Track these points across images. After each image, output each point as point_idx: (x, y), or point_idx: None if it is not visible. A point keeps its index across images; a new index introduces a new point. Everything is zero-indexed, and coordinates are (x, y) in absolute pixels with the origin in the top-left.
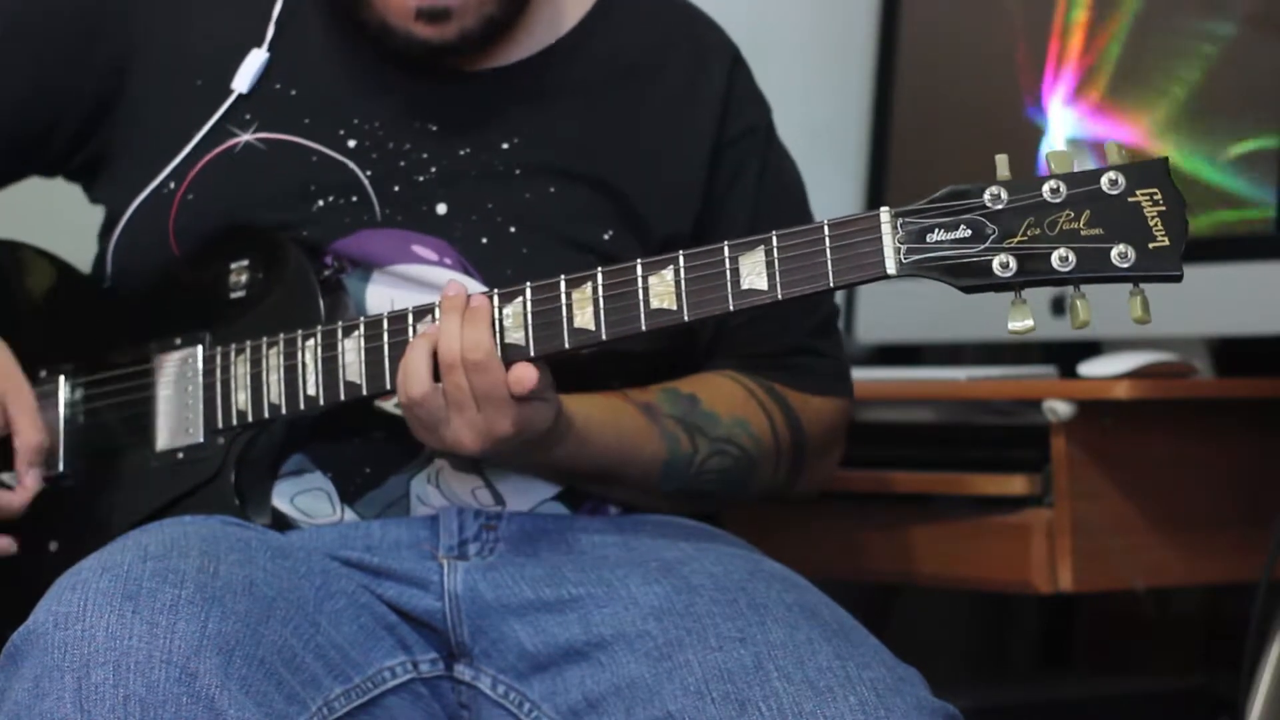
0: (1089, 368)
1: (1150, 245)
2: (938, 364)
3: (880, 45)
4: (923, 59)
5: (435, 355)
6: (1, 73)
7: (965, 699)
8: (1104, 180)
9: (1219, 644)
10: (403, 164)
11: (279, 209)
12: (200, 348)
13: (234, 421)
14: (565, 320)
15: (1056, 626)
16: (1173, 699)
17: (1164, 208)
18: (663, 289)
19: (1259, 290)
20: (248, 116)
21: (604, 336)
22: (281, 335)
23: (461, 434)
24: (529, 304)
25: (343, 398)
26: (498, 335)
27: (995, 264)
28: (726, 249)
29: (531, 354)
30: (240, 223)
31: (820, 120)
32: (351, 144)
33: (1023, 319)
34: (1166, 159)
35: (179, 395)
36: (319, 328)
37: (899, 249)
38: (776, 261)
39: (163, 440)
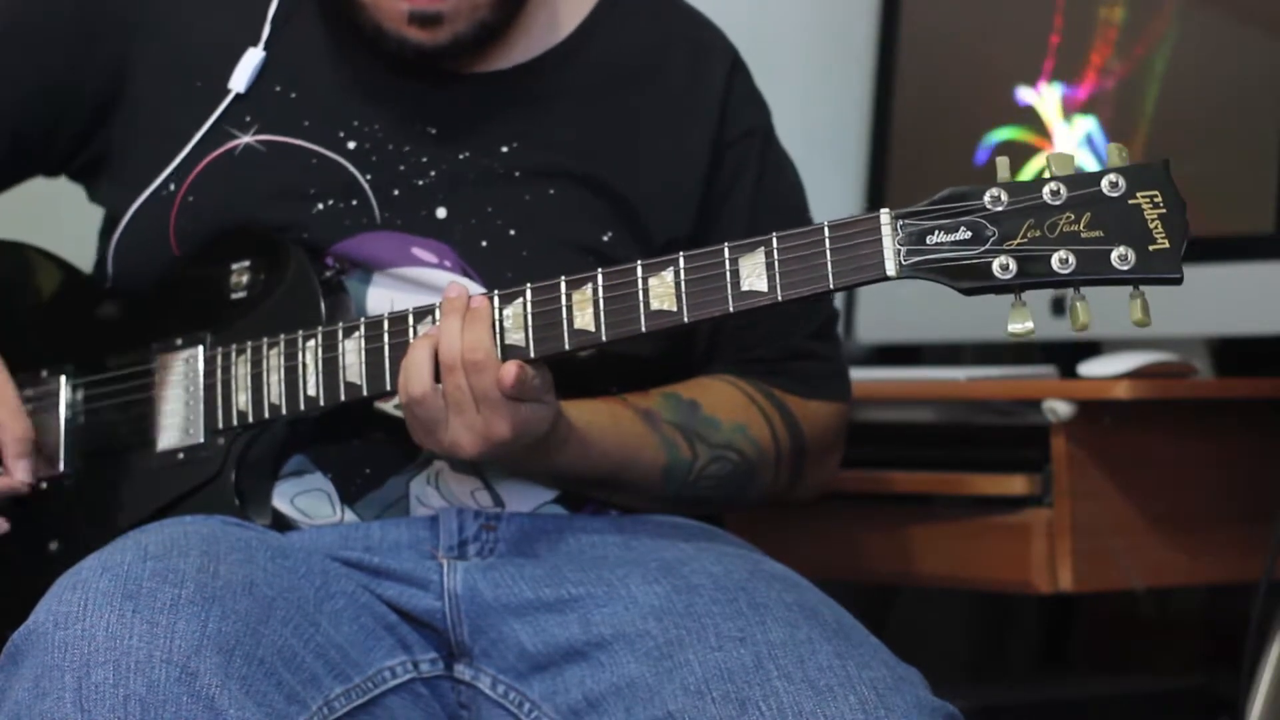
0: (1089, 368)
1: (1150, 247)
2: (938, 364)
3: (880, 45)
4: (923, 59)
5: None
6: (2, 74)
7: (965, 699)
8: (1104, 182)
9: (1219, 644)
10: (402, 168)
11: (279, 211)
12: (201, 348)
13: (234, 422)
14: (565, 321)
15: (1056, 626)
16: (1173, 699)
17: (1164, 210)
18: (663, 290)
19: (1259, 290)
20: (247, 118)
21: (604, 338)
22: (282, 336)
23: (460, 436)
24: (529, 305)
25: (343, 399)
26: (498, 336)
27: (995, 266)
28: (727, 250)
29: (531, 355)
30: (241, 223)
31: (820, 121)
32: (351, 145)
33: (1023, 321)
34: (1167, 161)
35: (180, 395)
36: (320, 329)
37: (899, 250)
38: (776, 263)
39: (163, 440)
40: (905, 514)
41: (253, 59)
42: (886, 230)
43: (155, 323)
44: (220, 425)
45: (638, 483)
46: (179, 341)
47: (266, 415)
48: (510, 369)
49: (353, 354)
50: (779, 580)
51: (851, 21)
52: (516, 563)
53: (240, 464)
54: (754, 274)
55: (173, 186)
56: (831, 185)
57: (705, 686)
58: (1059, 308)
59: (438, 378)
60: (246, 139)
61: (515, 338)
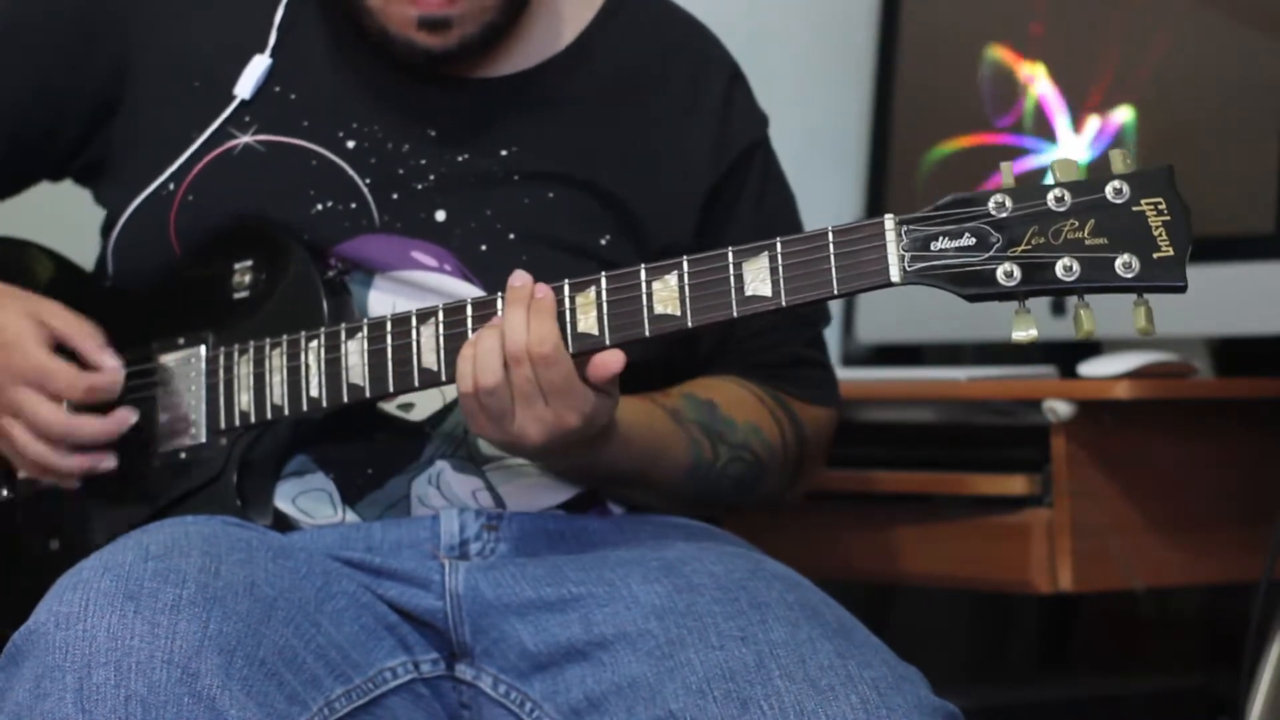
0: (1089, 368)
1: (1154, 255)
2: (938, 364)
3: (880, 45)
4: (923, 59)
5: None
6: (2, 74)
7: (965, 699)
8: (1108, 189)
9: (1219, 644)
10: (401, 170)
11: (278, 211)
12: (203, 348)
13: (236, 422)
14: (569, 325)
15: (1056, 626)
16: (1173, 699)
17: (1168, 217)
18: (666, 294)
19: (1259, 290)
20: (247, 119)
21: (608, 341)
22: (285, 336)
23: (528, 426)
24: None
25: (346, 399)
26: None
27: (999, 273)
28: (730, 255)
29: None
30: (244, 223)
31: (820, 123)
32: (350, 145)
33: (1026, 328)
34: (1170, 168)
35: (182, 395)
36: (322, 329)
37: (903, 256)
38: (781, 268)
39: (165, 440)
40: (905, 514)
41: (259, 66)
42: (890, 236)
43: (157, 322)
44: (222, 425)
45: (663, 481)
46: (181, 341)
47: (269, 416)
48: (617, 358)
49: (356, 355)
50: (780, 579)
51: (851, 21)
52: (518, 562)
53: (242, 464)
54: (758, 279)
55: (172, 186)
56: (831, 186)
57: (707, 686)
58: (1060, 308)
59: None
60: (246, 139)
61: None
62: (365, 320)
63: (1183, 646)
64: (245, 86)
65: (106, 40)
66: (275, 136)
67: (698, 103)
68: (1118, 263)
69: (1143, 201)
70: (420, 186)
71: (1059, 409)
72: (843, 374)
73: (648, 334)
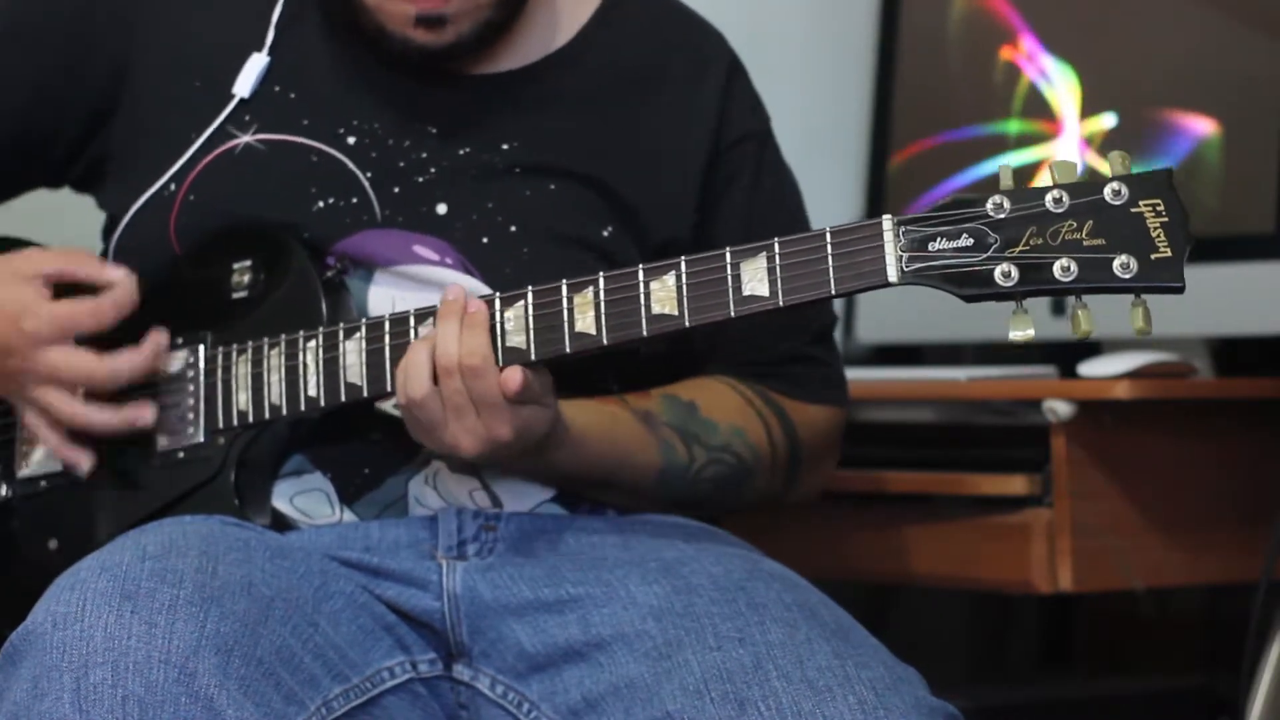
0: (1089, 368)
1: (1152, 256)
2: (938, 364)
3: (880, 45)
4: (923, 59)
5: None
6: (2, 77)
7: (965, 699)
8: (1107, 190)
9: (1219, 644)
10: (402, 164)
11: (280, 209)
12: (202, 347)
13: (235, 422)
14: (567, 324)
15: (1056, 626)
16: (1173, 699)
17: (1166, 219)
18: (664, 294)
19: (1259, 290)
20: (247, 118)
21: (605, 341)
22: (283, 336)
23: (460, 438)
24: (530, 308)
25: (343, 399)
26: (499, 339)
27: (997, 273)
28: (728, 255)
29: (532, 358)
30: (243, 222)
31: (820, 122)
32: (351, 142)
33: (1024, 328)
34: (1170, 170)
35: (180, 395)
36: (320, 329)
37: (901, 257)
38: (778, 268)
39: (163, 440)
40: (905, 514)
41: (257, 65)
42: (888, 236)
43: (156, 322)
44: (220, 425)
45: (633, 484)
46: (180, 340)
47: (267, 415)
48: (515, 375)
49: (353, 354)
50: (778, 580)
51: (851, 21)
52: (516, 563)
53: (240, 464)
54: (755, 279)
55: (173, 186)
56: (831, 185)
57: (704, 687)
58: (1059, 308)
59: (436, 380)
60: (246, 138)
61: (516, 340)
62: (363, 320)
63: (1183, 646)
64: (244, 85)
65: (106, 41)
66: (276, 135)
67: (697, 96)
68: (1116, 263)
69: (1141, 203)
70: (421, 180)
71: (1059, 409)
72: None
73: (645, 334)
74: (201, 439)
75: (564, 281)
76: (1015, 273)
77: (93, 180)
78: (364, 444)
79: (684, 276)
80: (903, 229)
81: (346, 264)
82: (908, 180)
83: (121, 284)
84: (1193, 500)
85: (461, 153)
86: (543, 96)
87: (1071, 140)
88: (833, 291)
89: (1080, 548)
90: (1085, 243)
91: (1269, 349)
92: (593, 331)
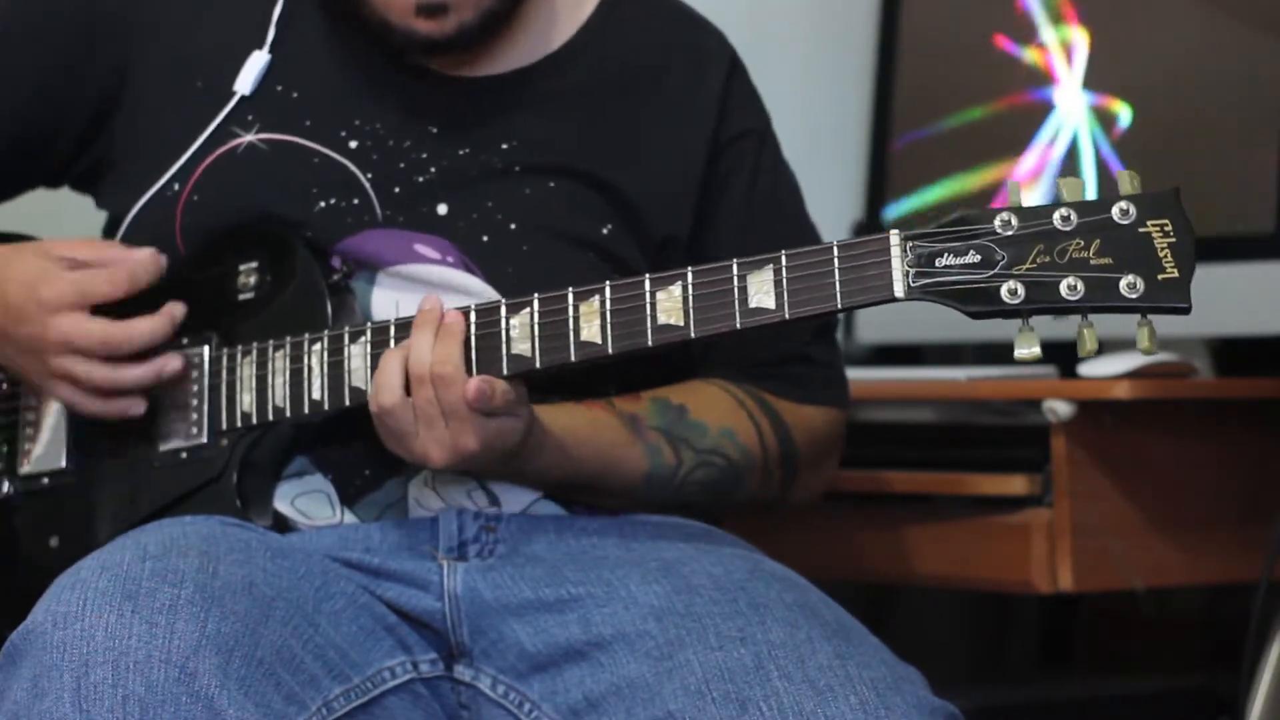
0: (1089, 368)
1: (1159, 276)
2: (938, 364)
3: (880, 45)
4: (923, 59)
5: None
6: (2, 79)
7: (965, 699)
8: (1115, 210)
9: (1219, 644)
10: (402, 165)
11: (282, 208)
12: (207, 348)
13: (238, 423)
14: (572, 333)
15: (1056, 626)
16: (1173, 699)
17: (1174, 239)
18: (670, 305)
19: (1259, 290)
20: (250, 117)
21: (610, 350)
22: (288, 339)
23: (429, 448)
24: (536, 315)
25: (347, 403)
26: (504, 346)
27: (1004, 291)
28: (735, 267)
29: (537, 365)
30: (249, 223)
31: (820, 121)
32: (353, 145)
33: (1029, 346)
34: (1178, 190)
35: (184, 395)
36: (326, 332)
37: (908, 272)
38: (785, 281)
39: (167, 440)
40: (905, 514)
41: (258, 62)
42: (895, 252)
43: None
44: (224, 426)
45: (620, 488)
46: (184, 340)
47: (271, 417)
48: (473, 384)
49: (358, 358)
50: (779, 580)
51: (851, 21)
52: (516, 563)
53: (243, 465)
54: (762, 291)
55: (177, 186)
56: (831, 185)
57: (705, 687)
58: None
59: (409, 390)
60: (249, 138)
61: (521, 348)
62: (369, 324)
63: (1183, 646)
64: (245, 83)
65: (107, 40)
66: (277, 135)
67: (696, 94)
68: (1122, 283)
69: (1149, 223)
70: (421, 180)
71: (1059, 409)
72: None
73: (650, 344)
74: (205, 440)
75: (570, 290)
76: (1022, 290)
77: (93, 180)
78: (365, 446)
79: (690, 288)
80: (910, 244)
81: (352, 267)
82: (908, 179)
83: (142, 257)
84: (1193, 500)
85: (461, 153)
86: (542, 96)
87: (1072, 95)
88: (839, 306)
89: (1080, 548)
90: (1093, 262)
91: (1269, 349)
92: (598, 341)
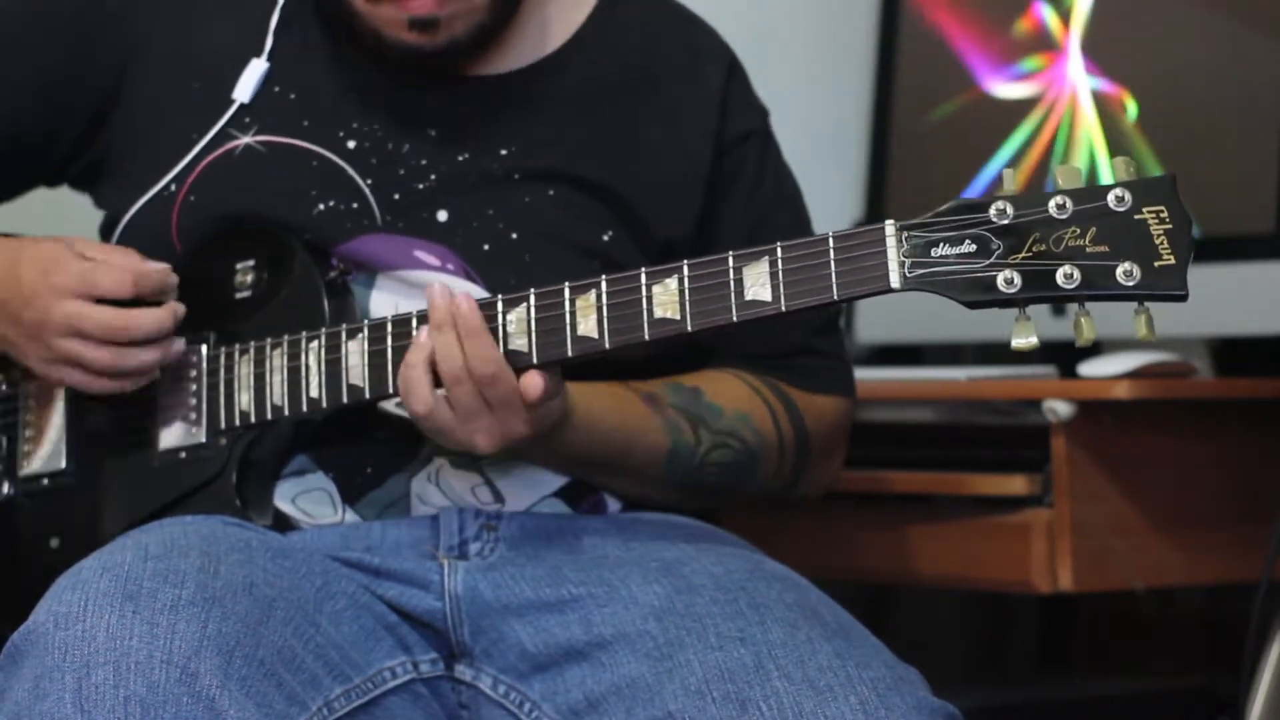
0: (1089, 368)
1: (1156, 263)
2: (938, 364)
3: (880, 45)
4: (923, 59)
5: (433, 367)
6: (2, 80)
7: (965, 699)
8: (1110, 197)
9: (1219, 644)
10: (402, 171)
11: (280, 211)
12: (205, 347)
13: (237, 422)
14: (569, 327)
15: (1056, 626)
16: (1173, 699)
17: (1170, 225)
18: (666, 298)
19: (1259, 290)
20: (248, 119)
21: (607, 345)
22: (285, 337)
23: (476, 438)
24: (532, 310)
25: (345, 400)
26: (501, 343)
27: (1000, 280)
28: (731, 259)
29: (534, 360)
30: (246, 222)
31: (820, 123)
32: (351, 146)
33: (1026, 335)
34: (1174, 176)
35: (182, 394)
36: (323, 330)
37: (903, 263)
38: (781, 273)
39: (165, 439)
40: (905, 514)
41: (257, 70)
42: (891, 242)
43: None
44: (223, 425)
45: (642, 467)
46: (182, 340)
47: (269, 416)
48: (536, 383)
49: (356, 356)
50: (779, 580)
51: (851, 21)
52: (517, 563)
53: (242, 464)
54: (758, 283)
55: (174, 187)
56: (831, 185)
57: (706, 687)
58: (1060, 309)
59: (436, 384)
60: (247, 139)
61: (519, 343)
62: (366, 321)
63: (1183, 646)
64: (244, 90)
65: (106, 42)
66: (276, 137)
67: (695, 96)
68: (1119, 271)
69: (1145, 209)
70: (421, 187)
71: (1059, 409)
72: None
73: (647, 337)
74: (204, 439)
75: (566, 284)
76: (1018, 279)
77: (91, 179)
78: (366, 444)
79: (686, 280)
80: (905, 234)
81: (349, 265)
82: (908, 179)
83: (152, 268)
84: (1193, 500)
85: (460, 159)
86: (540, 99)
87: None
88: (835, 297)
89: (1080, 548)
90: (1088, 249)
91: (1269, 349)
92: (594, 335)
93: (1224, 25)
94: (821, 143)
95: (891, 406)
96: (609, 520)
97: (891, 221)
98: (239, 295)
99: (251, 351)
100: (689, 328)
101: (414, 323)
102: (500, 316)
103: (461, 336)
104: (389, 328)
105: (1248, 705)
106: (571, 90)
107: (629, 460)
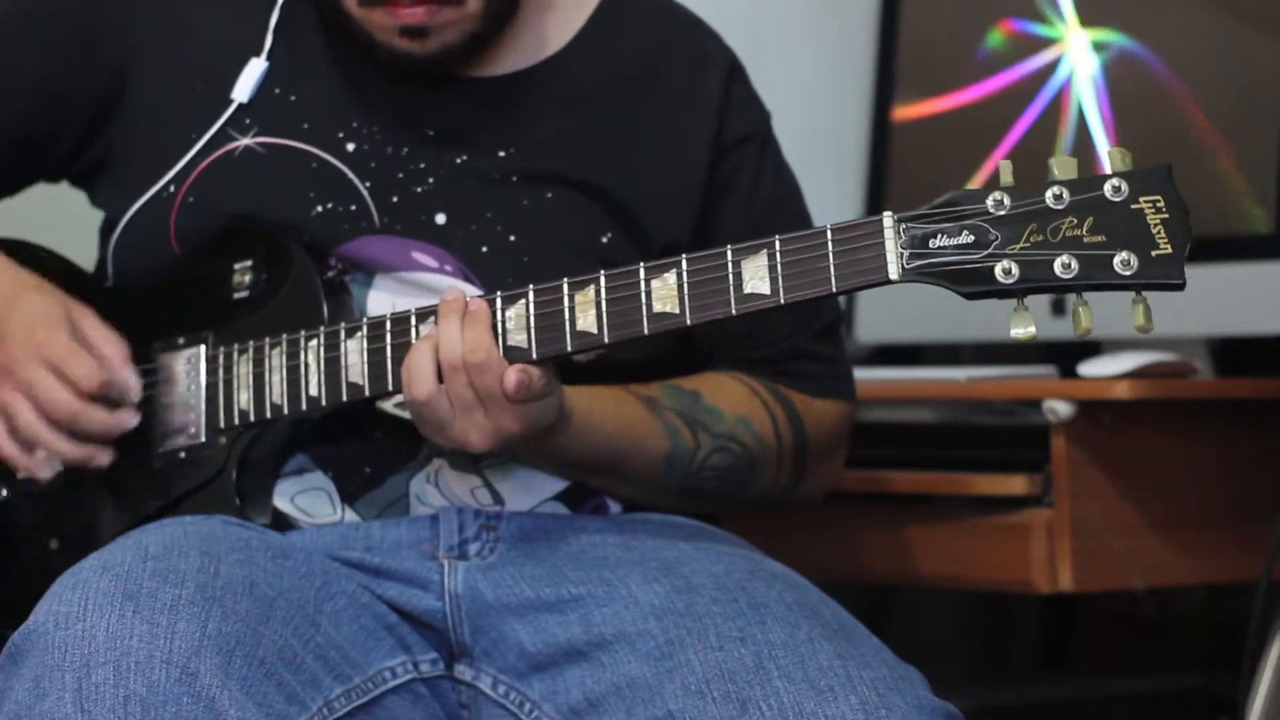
0: (1089, 368)
1: (1153, 253)
2: (938, 364)
3: (880, 45)
4: (923, 59)
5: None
6: (3, 80)
7: (965, 699)
8: (1107, 187)
9: (1219, 644)
10: (400, 174)
11: (279, 212)
12: (204, 347)
13: (236, 421)
14: (568, 323)
15: (1056, 626)
16: (1173, 699)
17: (1167, 215)
18: (665, 292)
19: (1259, 290)
20: (247, 121)
21: (606, 339)
22: (284, 335)
23: (469, 434)
24: (531, 306)
25: (345, 399)
26: (500, 337)
27: (998, 270)
28: (729, 253)
29: (534, 356)
30: (244, 222)
31: (820, 123)
32: (350, 147)
33: (1025, 325)
34: (1169, 166)
35: (182, 394)
36: (322, 328)
37: (901, 254)
38: (779, 265)
39: (165, 439)
40: (905, 514)
41: (256, 69)
42: (889, 234)
43: (157, 321)
44: (222, 424)
45: (640, 471)
46: (181, 340)
47: (268, 415)
48: (512, 376)
49: (355, 354)
50: (779, 580)
51: (851, 22)
52: (517, 563)
53: (242, 463)
54: (756, 276)
55: (173, 188)
56: (831, 185)
57: (706, 686)
58: (1059, 308)
59: (440, 379)
60: (246, 141)
61: (518, 339)
62: (365, 319)
63: (1183, 646)
64: (243, 90)
65: (106, 42)
66: (275, 139)
67: (696, 99)
68: (1116, 260)
69: (1141, 199)
70: (420, 190)
71: (1059, 409)
72: None
73: (646, 332)
74: (203, 439)
75: (565, 280)
76: (1016, 270)
77: (90, 179)
78: (365, 443)
79: (685, 274)
80: (903, 226)
81: (348, 265)
82: (908, 178)
83: (128, 383)
84: (1193, 500)
85: (458, 161)
86: (539, 101)
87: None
88: (834, 289)
89: (1080, 548)
90: (1086, 240)
91: (1269, 349)
92: (594, 330)
93: (1223, 25)
94: (821, 142)
95: (891, 406)
96: (609, 520)
97: (889, 213)
98: (237, 296)
99: (250, 351)
100: (688, 322)
101: (413, 320)
102: (500, 313)
103: (464, 324)
104: (388, 326)
105: (1247, 705)
106: (570, 93)
107: (627, 464)
